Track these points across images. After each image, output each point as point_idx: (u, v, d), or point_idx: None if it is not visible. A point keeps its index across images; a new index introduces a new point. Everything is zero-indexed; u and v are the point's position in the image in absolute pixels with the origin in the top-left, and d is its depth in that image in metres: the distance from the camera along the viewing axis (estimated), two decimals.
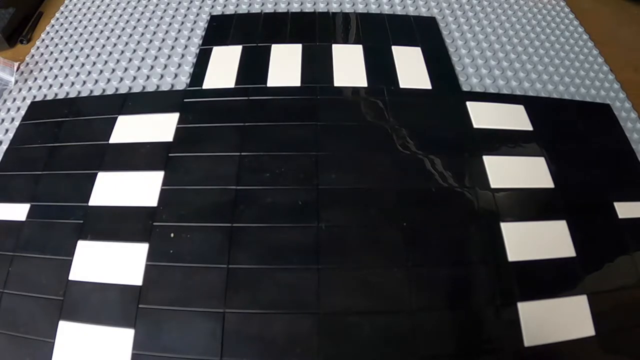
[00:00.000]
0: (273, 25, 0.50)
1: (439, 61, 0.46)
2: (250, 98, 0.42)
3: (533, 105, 0.42)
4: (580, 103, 0.43)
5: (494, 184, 0.36)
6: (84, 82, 0.45)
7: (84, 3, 0.55)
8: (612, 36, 0.52)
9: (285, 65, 0.45)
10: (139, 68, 0.46)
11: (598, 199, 0.36)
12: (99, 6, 0.54)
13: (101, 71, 0.46)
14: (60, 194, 0.36)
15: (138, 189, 0.36)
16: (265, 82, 0.43)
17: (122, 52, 0.48)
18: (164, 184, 0.36)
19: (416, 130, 0.39)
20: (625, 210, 0.36)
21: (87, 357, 0.29)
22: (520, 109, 0.42)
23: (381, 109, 0.41)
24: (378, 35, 0.48)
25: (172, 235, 0.33)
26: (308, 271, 0.32)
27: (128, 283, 0.32)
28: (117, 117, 0.41)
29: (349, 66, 0.45)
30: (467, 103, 0.42)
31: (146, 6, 0.53)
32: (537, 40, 0.50)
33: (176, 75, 0.45)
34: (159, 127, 0.40)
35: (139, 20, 0.51)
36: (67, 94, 0.44)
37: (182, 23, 0.51)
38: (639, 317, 0.31)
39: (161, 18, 0.52)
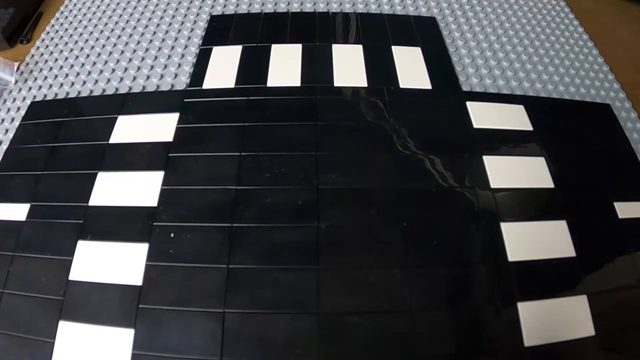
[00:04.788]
0: (273, 25, 0.50)
1: (439, 61, 0.46)
2: (250, 98, 0.42)
3: (533, 105, 0.42)
4: (580, 103, 0.43)
5: (494, 184, 0.36)
6: (84, 82, 0.45)
7: (84, 3, 0.55)
8: (612, 36, 0.52)
9: (285, 65, 0.45)
10: (139, 68, 0.46)
11: (598, 199, 0.36)
12: (99, 6, 0.54)
13: (101, 71, 0.46)
14: (60, 194, 0.36)
15: (138, 189, 0.36)
16: (265, 82, 0.43)
17: (122, 52, 0.48)
18: (164, 184, 0.36)
19: (416, 130, 0.39)
20: (625, 210, 0.36)
21: (87, 357, 0.29)
22: (520, 109, 0.42)
23: (381, 109, 0.41)
24: (378, 35, 0.48)
25: (172, 235, 0.33)
26: (308, 271, 0.32)
27: (128, 283, 0.32)
28: (117, 117, 0.41)
29: (349, 66, 0.45)
30: (467, 103, 0.42)
31: (146, 6, 0.53)
32: (537, 40, 0.50)
33: (176, 75, 0.45)
34: (159, 127, 0.40)
35: (139, 20, 0.51)
36: (67, 94, 0.44)
37: (182, 23, 0.51)
38: (639, 317, 0.31)
39: (161, 18, 0.52)
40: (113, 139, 0.39)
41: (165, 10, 0.52)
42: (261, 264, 0.32)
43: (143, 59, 0.47)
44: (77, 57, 0.48)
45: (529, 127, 0.40)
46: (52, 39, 0.50)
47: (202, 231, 0.34)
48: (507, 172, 0.37)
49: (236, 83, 0.43)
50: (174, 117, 0.40)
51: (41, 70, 0.47)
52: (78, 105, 0.43)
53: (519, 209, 0.35)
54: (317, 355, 0.29)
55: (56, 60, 0.48)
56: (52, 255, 0.33)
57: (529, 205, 0.35)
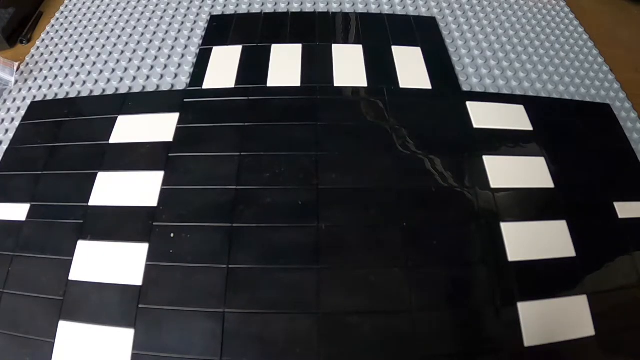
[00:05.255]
0: (273, 25, 0.50)
1: (439, 61, 0.46)
2: (250, 98, 0.42)
3: (533, 105, 0.42)
4: (580, 103, 0.43)
5: (494, 184, 0.36)
6: (84, 82, 0.45)
7: (84, 3, 0.55)
8: (612, 36, 0.52)
9: (285, 65, 0.45)
10: (139, 68, 0.46)
11: (598, 199, 0.36)
12: (99, 6, 0.54)
13: (101, 71, 0.46)
14: (60, 194, 0.36)
15: (138, 189, 0.36)
16: (265, 82, 0.43)
17: (122, 52, 0.48)
18: (164, 184, 0.36)
19: (416, 130, 0.39)
20: (625, 210, 0.36)
21: (87, 357, 0.29)
22: (520, 109, 0.42)
23: (381, 109, 0.41)
24: (378, 35, 0.48)
25: (172, 235, 0.33)
26: (308, 271, 0.32)
27: (128, 283, 0.32)
28: (117, 117, 0.41)
29: (349, 66, 0.45)
30: (467, 103, 0.42)
31: (146, 6, 0.53)
32: (537, 40, 0.50)
33: (176, 75, 0.45)
34: (159, 127, 0.40)
35: (139, 20, 0.51)
36: (67, 94, 0.44)
37: (182, 23, 0.51)
38: (639, 317, 0.31)
39: (161, 18, 0.52)
40: (113, 139, 0.39)
41: (165, 10, 0.52)
42: (261, 264, 0.32)
43: (143, 59, 0.47)
44: (77, 57, 0.48)
45: (529, 127, 0.40)
46: (52, 39, 0.50)
47: (202, 231, 0.34)
48: (507, 172, 0.37)
49: (236, 83, 0.43)
50: (174, 117, 0.40)
51: (41, 70, 0.47)
52: (78, 105, 0.43)
53: (519, 209, 0.35)
54: (317, 355, 0.29)
55: (56, 60, 0.48)
56: (52, 255, 0.33)
57: (529, 205, 0.35)
